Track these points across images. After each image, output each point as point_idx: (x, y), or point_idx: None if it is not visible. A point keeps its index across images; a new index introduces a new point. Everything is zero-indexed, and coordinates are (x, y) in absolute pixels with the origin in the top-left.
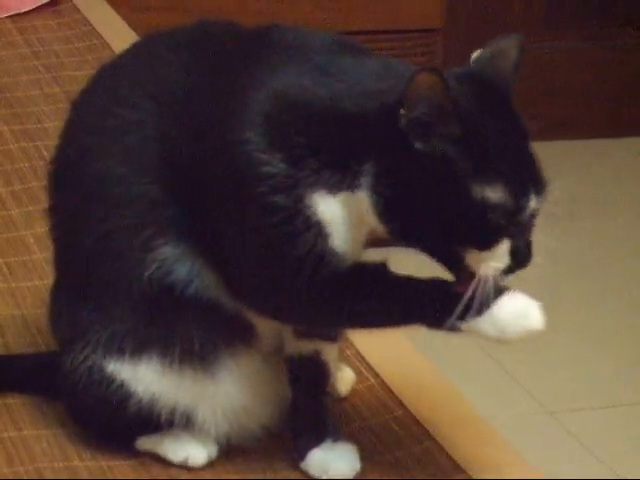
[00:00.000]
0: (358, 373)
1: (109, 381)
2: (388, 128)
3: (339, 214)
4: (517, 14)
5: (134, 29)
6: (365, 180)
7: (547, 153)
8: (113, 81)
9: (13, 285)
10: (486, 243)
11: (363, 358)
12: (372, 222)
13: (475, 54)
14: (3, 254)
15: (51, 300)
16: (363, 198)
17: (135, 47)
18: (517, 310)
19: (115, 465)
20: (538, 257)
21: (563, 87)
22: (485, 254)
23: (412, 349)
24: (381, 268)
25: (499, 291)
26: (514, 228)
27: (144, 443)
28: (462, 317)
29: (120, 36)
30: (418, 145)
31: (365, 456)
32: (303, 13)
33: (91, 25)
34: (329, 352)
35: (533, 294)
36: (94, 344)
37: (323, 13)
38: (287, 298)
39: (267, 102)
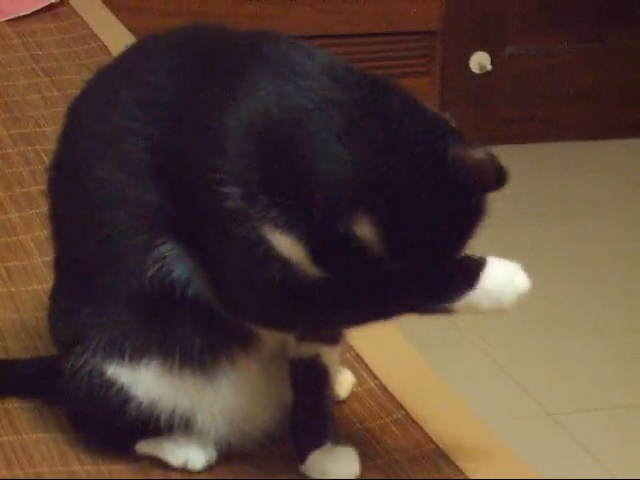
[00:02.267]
0: (358, 376)
1: (109, 385)
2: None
3: (295, 249)
4: (516, 16)
5: (133, 33)
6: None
7: (545, 155)
8: (107, 86)
9: (12, 289)
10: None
11: (362, 361)
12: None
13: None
14: (2, 258)
15: (51, 304)
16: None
17: (128, 51)
18: (506, 277)
19: (115, 469)
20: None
21: (562, 89)
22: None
23: (412, 352)
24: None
25: (480, 262)
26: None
27: (143, 447)
28: (452, 299)
29: (119, 40)
30: (348, 231)
31: (364, 459)
32: (301, 16)
33: (90, 28)
34: (330, 355)
35: (533, 297)
36: (94, 348)
37: (321, 16)
38: (269, 310)
39: (235, 130)
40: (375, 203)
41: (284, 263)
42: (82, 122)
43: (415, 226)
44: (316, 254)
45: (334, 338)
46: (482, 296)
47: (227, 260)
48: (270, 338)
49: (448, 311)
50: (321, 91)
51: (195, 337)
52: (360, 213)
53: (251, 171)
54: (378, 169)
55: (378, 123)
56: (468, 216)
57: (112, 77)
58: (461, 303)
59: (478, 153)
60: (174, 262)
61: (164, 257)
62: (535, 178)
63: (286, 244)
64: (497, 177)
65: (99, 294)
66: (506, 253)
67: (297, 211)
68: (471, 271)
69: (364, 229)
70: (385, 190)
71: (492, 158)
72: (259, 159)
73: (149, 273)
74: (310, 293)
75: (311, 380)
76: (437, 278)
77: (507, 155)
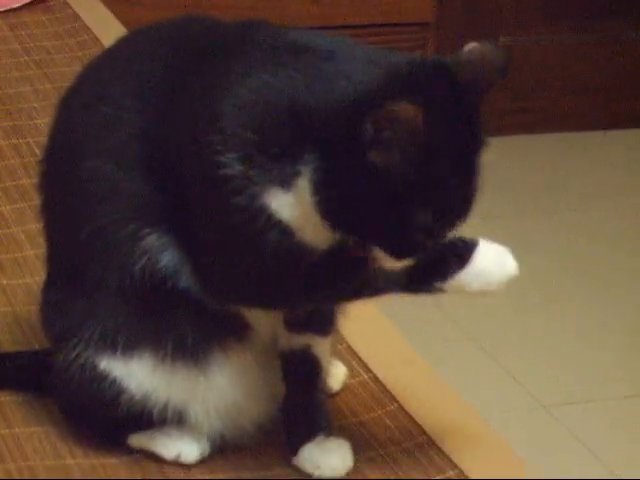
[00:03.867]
0: (350, 368)
1: (101, 378)
2: (340, 130)
3: (296, 210)
4: (510, 7)
5: (125, 25)
6: (306, 168)
7: (540, 146)
8: (97, 78)
9: (4, 282)
10: (400, 255)
11: (355, 353)
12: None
13: (465, 49)
14: None
15: (43, 297)
16: (303, 187)
17: (118, 43)
18: (495, 259)
19: (107, 463)
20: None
21: (556, 80)
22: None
23: (405, 344)
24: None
25: (471, 243)
26: (429, 246)
27: (136, 440)
28: (442, 278)
29: (111, 32)
30: (373, 157)
31: (357, 451)
32: (296, 7)
33: (82, 21)
34: (321, 346)
35: (527, 289)
36: (86, 341)
37: (315, 7)
38: (261, 289)
39: (230, 105)
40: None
41: (283, 230)
42: (72, 115)
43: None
44: (327, 187)
45: (325, 329)
46: (472, 276)
47: (219, 241)
48: (262, 327)
49: (438, 290)
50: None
51: (187, 329)
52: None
53: (248, 135)
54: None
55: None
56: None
57: (101, 69)
58: (452, 283)
59: (469, 48)
60: (162, 253)
61: (152, 248)
62: (530, 169)
63: (289, 205)
64: (500, 58)
65: (91, 287)
66: (504, 244)
67: (301, 156)
68: (463, 251)
69: (410, 109)
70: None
71: (485, 44)
72: (254, 124)
73: (138, 265)
74: (305, 264)
75: (302, 372)
76: (430, 256)
77: (502, 146)
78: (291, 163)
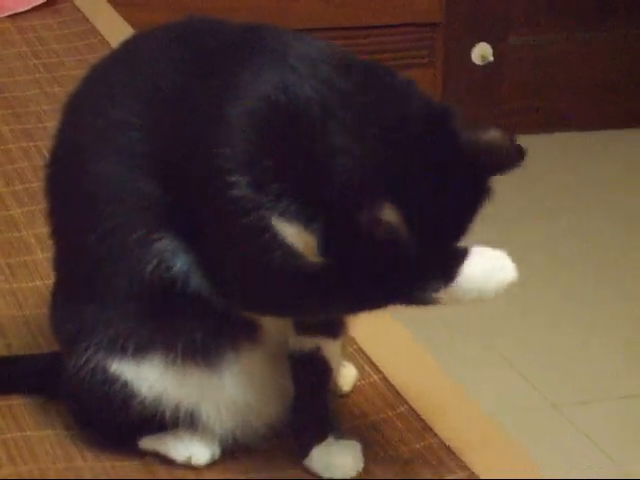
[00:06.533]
0: (360, 369)
1: (112, 381)
2: (340, 208)
3: (302, 240)
4: (518, 7)
5: (134, 27)
6: (311, 227)
7: (548, 145)
8: (103, 81)
9: (14, 285)
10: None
11: (365, 354)
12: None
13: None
14: (4, 254)
15: (53, 301)
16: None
17: (124, 46)
18: (490, 265)
19: (118, 465)
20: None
21: (564, 80)
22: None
23: (415, 345)
24: None
25: (464, 251)
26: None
27: (147, 443)
28: (435, 287)
29: (120, 35)
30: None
31: (368, 453)
32: (304, 8)
33: (90, 24)
34: (330, 348)
35: (536, 288)
36: (97, 344)
37: (324, 8)
38: (269, 299)
39: (240, 118)
40: (395, 190)
41: (287, 250)
42: (78, 118)
43: (435, 208)
44: (327, 246)
45: (335, 331)
46: (466, 286)
47: (227, 249)
48: (273, 328)
49: (433, 302)
50: (324, 80)
51: (197, 330)
52: (383, 200)
53: (258, 159)
54: (391, 156)
55: (383, 109)
56: (481, 196)
57: (107, 72)
58: (445, 294)
59: (490, 133)
60: (173, 257)
61: (163, 252)
62: (538, 169)
63: (293, 233)
64: (516, 152)
65: (100, 290)
66: (508, 246)
67: (308, 201)
68: (455, 261)
69: (390, 214)
70: (403, 176)
71: (504, 135)
72: (265, 148)
73: (148, 268)
74: (310, 279)
75: (312, 374)
76: (422, 269)
77: None
78: (303, 205)
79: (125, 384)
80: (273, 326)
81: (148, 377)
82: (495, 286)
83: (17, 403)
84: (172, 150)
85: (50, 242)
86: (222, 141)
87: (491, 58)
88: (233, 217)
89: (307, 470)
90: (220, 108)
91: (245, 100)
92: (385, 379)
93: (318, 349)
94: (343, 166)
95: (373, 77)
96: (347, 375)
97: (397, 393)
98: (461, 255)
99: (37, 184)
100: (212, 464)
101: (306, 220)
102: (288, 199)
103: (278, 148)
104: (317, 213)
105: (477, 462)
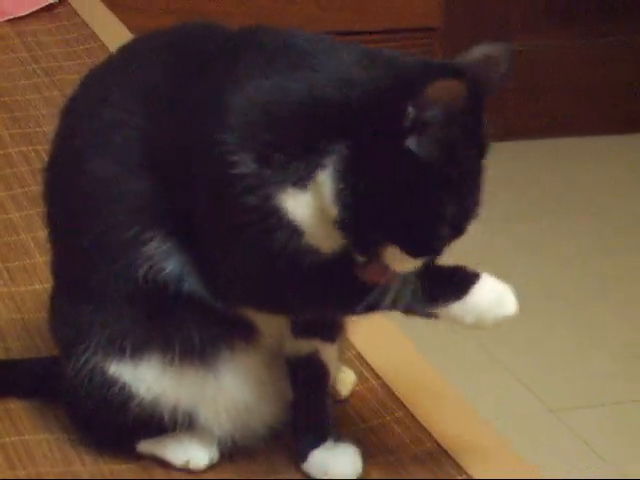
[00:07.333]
0: (359, 374)
1: (111, 383)
2: (376, 117)
3: (309, 210)
4: (517, 12)
5: (133, 32)
6: (331, 160)
7: (549, 150)
8: (100, 85)
9: (13, 289)
10: (421, 252)
11: (364, 359)
12: (327, 206)
13: (466, 54)
14: (3, 258)
15: (51, 304)
16: (325, 180)
17: (121, 51)
18: (494, 296)
19: (117, 469)
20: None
21: (564, 85)
22: (412, 259)
23: (413, 350)
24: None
25: (474, 276)
26: (448, 243)
27: (146, 446)
28: (436, 304)
29: (119, 39)
30: (410, 144)
31: (366, 457)
32: (302, 13)
33: (90, 28)
34: (328, 352)
35: (533, 292)
36: (94, 346)
37: (322, 12)
38: (264, 291)
39: (241, 104)
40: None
41: (293, 230)
42: (74, 122)
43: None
44: (345, 189)
45: (332, 335)
46: (468, 309)
47: (227, 240)
48: (269, 330)
49: (433, 316)
50: (318, 67)
51: (194, 331)
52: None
53: (262, 135)
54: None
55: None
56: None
57: (103, 75)
58: (445, 311)
59: (474, 51)
60: (167, 257)
61: (155, 253)
62: (539, 173)
63: (303, 203)
64: (503, 56)
65: (97, 292)
66: (509, 248)
67: (317, 152)
68: (463, 282)
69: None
70: None
71: (489, 45)
72: (268, 124)
73: (142, 269)
74: (312, 270)
75: (310, 378)
76: (431, 279)
77: (510, 151)
78: (311, 158)
79: (123, 386)
80: (269, 328)
81: (146, 378)
82: (494, 318)
83: (15, 407)
84: (169, 146)
85: (48, 246)
86: (223, 127)
87: None
88: (236, 200)
89: (305, 474)
90: (219, 98)
91: (244, 88)
92: (383, 384)
93: (315, 353)
94: (375, 78)
95: (371, 56)
96: (346, 380)
97: (395, 398)
98: (471, 277)
99: (36, 188)
100: (210, 468)
101: (315, 177)
102: (295, 164)
103: (278, 119)
104: (335, 141)
105: (475, 466)
